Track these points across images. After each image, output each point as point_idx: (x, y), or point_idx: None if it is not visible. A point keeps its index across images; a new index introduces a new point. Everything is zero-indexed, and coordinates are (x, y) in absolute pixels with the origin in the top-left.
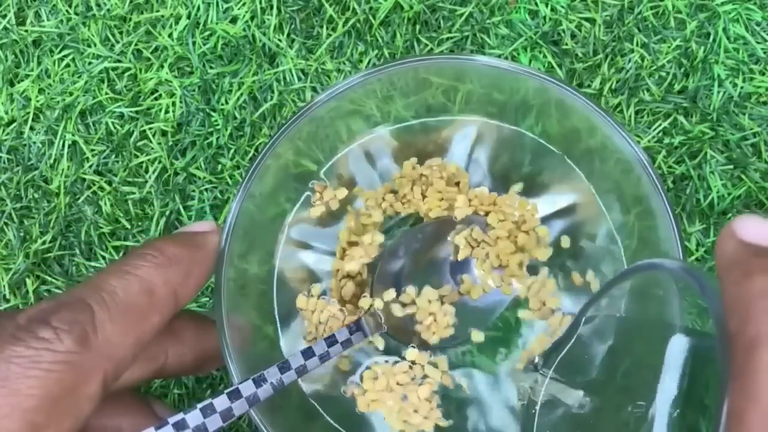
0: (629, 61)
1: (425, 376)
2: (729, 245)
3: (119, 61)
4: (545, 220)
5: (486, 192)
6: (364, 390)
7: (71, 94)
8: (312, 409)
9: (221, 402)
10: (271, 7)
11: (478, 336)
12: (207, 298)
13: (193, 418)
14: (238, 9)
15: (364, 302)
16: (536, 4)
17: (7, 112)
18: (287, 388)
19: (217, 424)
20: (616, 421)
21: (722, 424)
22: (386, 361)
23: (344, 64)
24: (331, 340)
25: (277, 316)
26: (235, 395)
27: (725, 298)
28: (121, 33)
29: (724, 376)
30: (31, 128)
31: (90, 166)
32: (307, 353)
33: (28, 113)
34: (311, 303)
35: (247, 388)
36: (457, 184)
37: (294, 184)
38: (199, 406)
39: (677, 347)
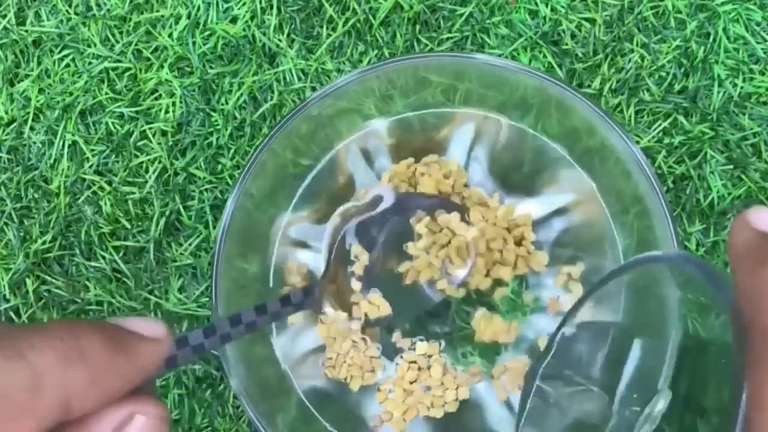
0: (629, 61)
1: (429, 356)
2: (742, 235)
3: (119, 61)
4: (545, 218)
5: (480, 192)
6: (390, 413)
7: (71, 94)
8: (309, 413)
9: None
10: (271, 7)
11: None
12: (207, 298)
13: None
14: (238, 9)
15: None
16: (536, 4)
17: (7, 112)
18: (286, 388)
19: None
20: (605, 423)
21: (741, 414)
22: (388, 377)
23: (344, 64)
24: (284, 301)
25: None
26: (182, 343)
27: (738, 287)
28: (121, 33)
29: (740, 363)
30: (31, 128)
31: (90, 166)
32: (260, 310)
33: (28, 113)
34: (332, 330)
35: (196, 338)
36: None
37: (293, 182)
38: (176, 338)
39: (670, 351)
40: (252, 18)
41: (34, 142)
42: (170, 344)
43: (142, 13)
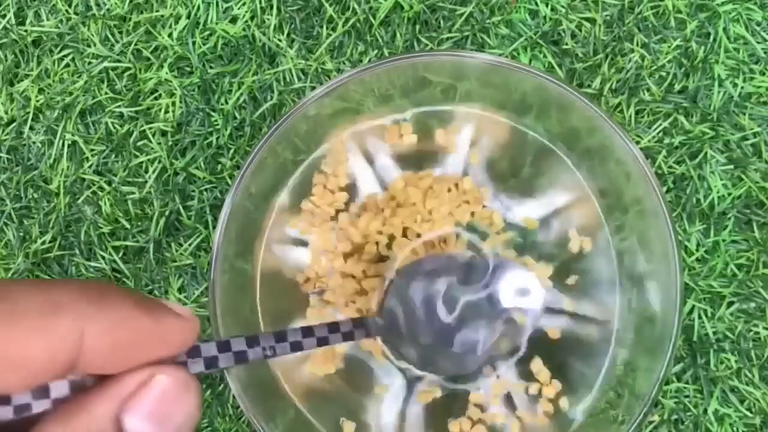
0: (629, 61)
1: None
2: None
3: (119, 61)
4: (545, 218)
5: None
6: None
7: (71, 93)
8: (306, 419)
9: (207, 349)
10: (271, 7)
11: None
12: (207, 298)
13: (207, 348)
14: (238, 9)
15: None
16: (536, 3)
17: (7, 112)
18: (285, 389)
19: (199, 367)
20: None
21: None
22: None
23: (344, 64)
24: (332, 327)
25: (260, 316)
26: (224, 347)
27: None
28: (121, 33)
29: None
30: (31, 128)
31: (90, 166)
32: (306, 332)
33: (28, 113)
34: None
35: (238, 344)
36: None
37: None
38: (217, 341)
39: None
40: (252, 18)
41: (34, 142)
42: (198, 328)
43: (142, 12)
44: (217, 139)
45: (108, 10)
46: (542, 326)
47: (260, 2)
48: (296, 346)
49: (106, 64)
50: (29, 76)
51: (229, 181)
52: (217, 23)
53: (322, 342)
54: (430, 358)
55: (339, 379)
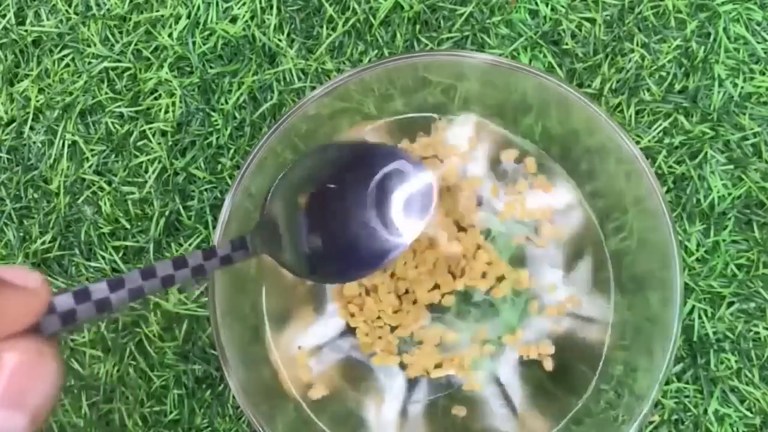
0: (629, 61)
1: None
2: None
3: (119, 61)
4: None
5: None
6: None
7: (71, 93)
8: (308, 414)
9: (63, 302)
10: (271, 7)
11: None
12: (207, 298)
13: (63, 302)
14: (238, 9)
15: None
16: (536, 4)
17: (7, 112)
18: (285, 389)
19: (54, 325)
20: None
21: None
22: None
23: (344, 63)
24: (207, 255)
25: (266, 316)
26: (83, 297)
27: None
28: (121, 33)
29: None
30: (31, 128)
31: (90, 166)
32: (180, 263)
33: (28, 113)
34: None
35: (100, 291)
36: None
37: None
38: (74, 290)
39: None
40: (252, 18)
41: (34, 142)
42: (47, 296)
43: (142, 12)
44: (217, 139)
45: (108, 10)
46: (541, 327)
47: (260, 2)
48: (168, 281)
49: (106, 64)
50: (29, 76)
51: (229, 181)
52: (217, 23)
53: (198, 271)
54: (323, 264)
55: (339, 379)
